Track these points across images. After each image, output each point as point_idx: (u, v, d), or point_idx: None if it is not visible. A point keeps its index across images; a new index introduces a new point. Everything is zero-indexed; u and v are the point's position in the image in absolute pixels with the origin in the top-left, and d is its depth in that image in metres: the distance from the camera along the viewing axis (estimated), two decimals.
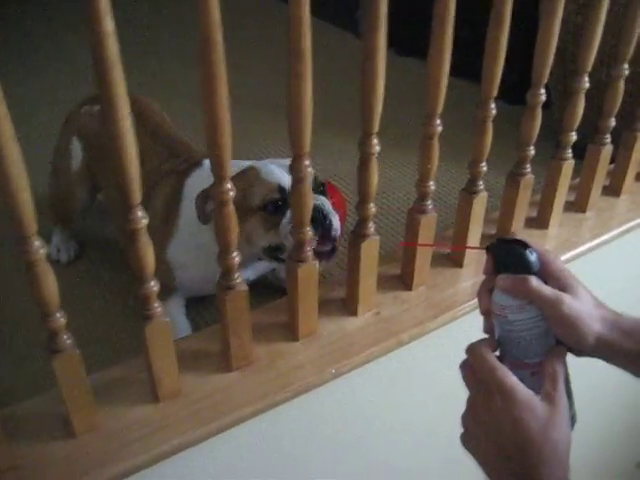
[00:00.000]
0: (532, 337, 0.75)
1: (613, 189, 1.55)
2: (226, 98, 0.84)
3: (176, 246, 1.39)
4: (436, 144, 1.12)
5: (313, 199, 1.04)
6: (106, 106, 0.77)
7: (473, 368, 0.75)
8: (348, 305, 1.20)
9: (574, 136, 1.33)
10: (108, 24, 0.73)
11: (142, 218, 0.87)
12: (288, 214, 1.24)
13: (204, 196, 1.27)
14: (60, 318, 0.89)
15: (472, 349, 0.76)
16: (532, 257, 0.75)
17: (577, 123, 1.31)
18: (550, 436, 0.68)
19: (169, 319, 1.37)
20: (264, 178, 1.29)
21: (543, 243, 1.40)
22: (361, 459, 1.32)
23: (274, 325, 1.17)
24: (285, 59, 0.86)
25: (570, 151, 1.35)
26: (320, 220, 1.23)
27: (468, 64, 1.41)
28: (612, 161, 1.51)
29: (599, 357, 0.76)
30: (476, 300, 0.82)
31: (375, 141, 1.03)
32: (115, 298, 1.54)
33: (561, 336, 0.74)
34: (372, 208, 1.10)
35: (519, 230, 1.38)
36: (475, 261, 1.32)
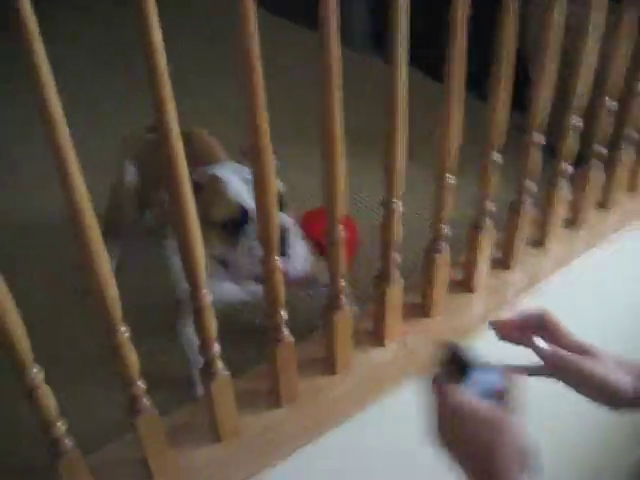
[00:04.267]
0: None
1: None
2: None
3: None
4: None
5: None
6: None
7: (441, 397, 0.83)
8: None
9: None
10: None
11: (206, 295, 1.01)
12: (249, 232, 1.29)
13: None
14: (141, 386, 1.02)
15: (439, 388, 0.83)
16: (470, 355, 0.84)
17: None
18: (511, 443, 0.76)
19: (189, 339, 1.44)
20: (228, 196, 1.32)
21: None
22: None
23: (313, 360, 1.31)
24: None
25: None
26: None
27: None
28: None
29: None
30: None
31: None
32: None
33: (596, 397, 0.87)
34: (397, 258, 1.24)
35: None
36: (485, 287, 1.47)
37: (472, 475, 0.78)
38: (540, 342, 0.89)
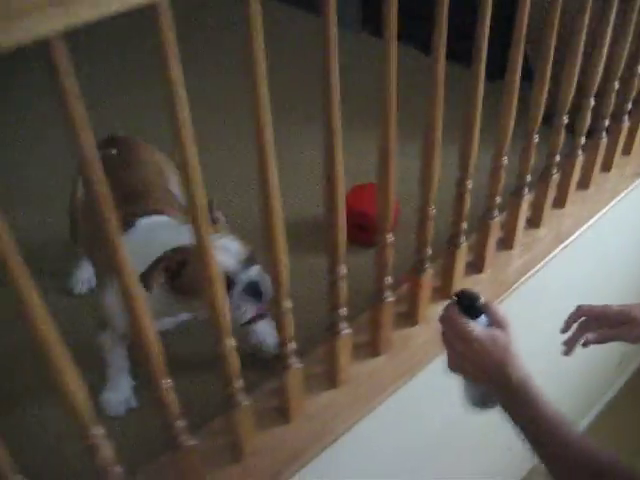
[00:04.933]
0: None
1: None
2: None
3: (110, 296, 1.38)
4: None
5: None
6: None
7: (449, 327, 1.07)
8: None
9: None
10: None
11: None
12: (234, 294, 1.32)
13: (155, 265, 1.28)
14: (292, 345, 1.26)
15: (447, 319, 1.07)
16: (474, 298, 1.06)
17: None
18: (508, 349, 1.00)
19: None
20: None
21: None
22: None
23: (399, 314, 1.56)
24: None
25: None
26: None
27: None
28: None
29: None
30: None
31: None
32: None
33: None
34: (464, 226, 1.50)
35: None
36: (521, 244, 1.75)
37: (488, 384, 1.01)
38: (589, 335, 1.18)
